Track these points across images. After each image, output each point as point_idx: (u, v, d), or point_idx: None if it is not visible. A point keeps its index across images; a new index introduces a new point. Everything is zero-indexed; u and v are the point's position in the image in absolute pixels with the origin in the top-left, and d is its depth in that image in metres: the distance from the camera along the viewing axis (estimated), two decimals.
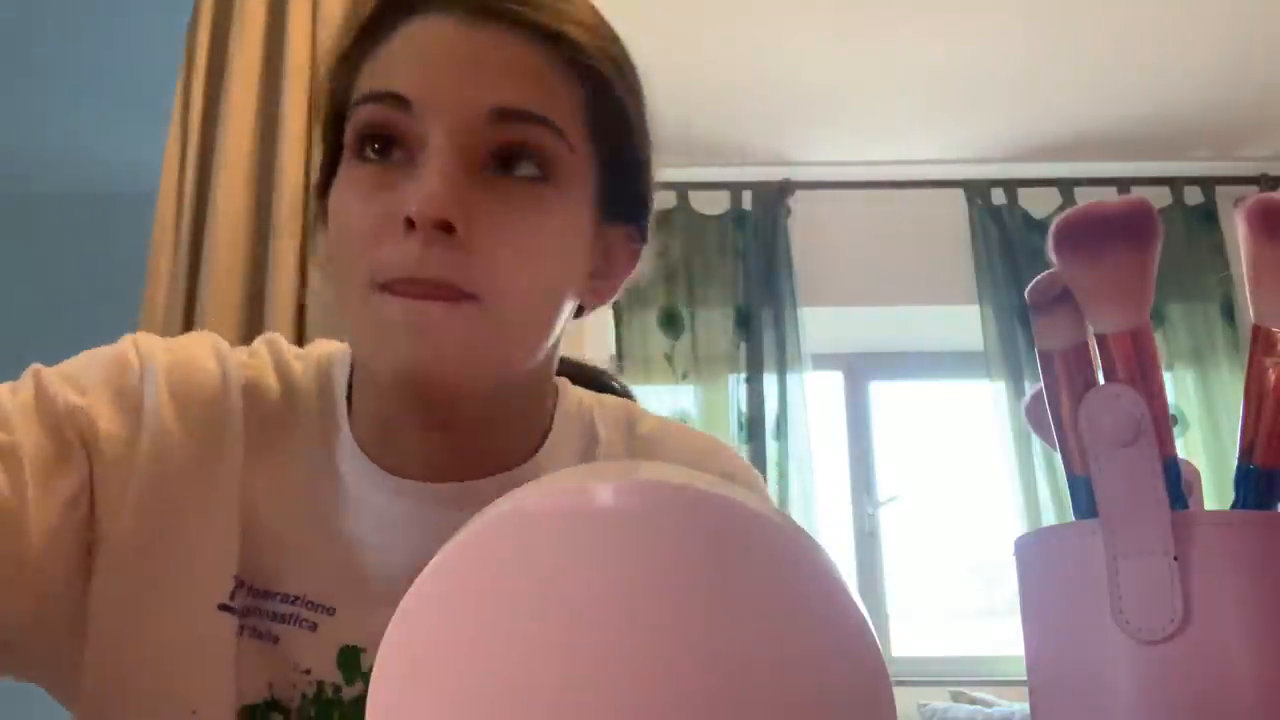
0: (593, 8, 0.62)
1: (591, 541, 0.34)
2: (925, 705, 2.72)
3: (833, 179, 3.18)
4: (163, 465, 0.60)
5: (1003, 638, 3.14)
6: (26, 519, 0.54)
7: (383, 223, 0.54)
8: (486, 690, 0.33)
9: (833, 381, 3.33)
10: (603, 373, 0.84)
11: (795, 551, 0.34)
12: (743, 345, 3.09)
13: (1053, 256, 0.41)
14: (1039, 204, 3.16)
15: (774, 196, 3.17)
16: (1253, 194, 0.43)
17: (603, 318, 2.19)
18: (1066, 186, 3.16)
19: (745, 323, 3.10)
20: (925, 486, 3.29)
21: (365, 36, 0.59)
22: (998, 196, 3.20)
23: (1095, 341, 0.41)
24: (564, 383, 0.71)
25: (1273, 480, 0.39)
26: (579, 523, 0.34)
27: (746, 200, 3.20)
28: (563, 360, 0.80)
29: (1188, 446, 3.00)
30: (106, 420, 0.59)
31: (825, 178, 3.18)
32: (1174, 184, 3.19)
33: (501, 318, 0.55)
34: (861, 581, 3.12)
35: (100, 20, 2.55)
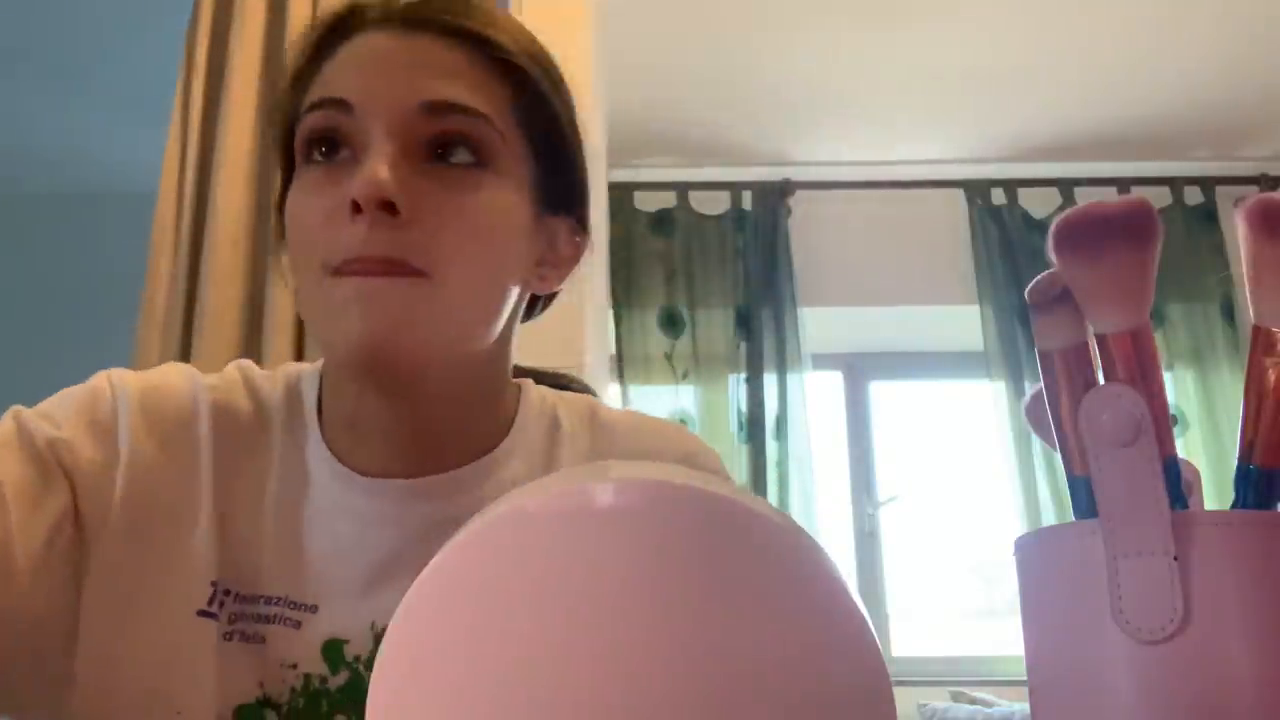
0: (517, 20, 0.69)
1: (591, 541, 0.34)
2: (925, 705, 2.72)
3: (833, 179, 3.18)
4: (140, 485, 0.63)
5: (1003, 638, 3.14)
6: (12, 546, 0.57)
7: (332, 213, 0.58)
8: (486, 689, 0.33)
9: (833, 381, 3.33)
10: (565, 377, 0.87)
11: (795, 551, 0.34)
12: (743, 345, 3.09)
13: (1053, 256, 0.41)
14: (1039, 204, 3.16)
15: (774, 196, 3.18)
16: (1253, 194, 0.43)
17: (603, 318, 2.18)
18: (1066, 186, 3.16)
19: (745, 323, 3.10)
20: (925, 486, 3.29)
21: (312, 59, 0.65)
22: (998, 196, 3.20)
23: (1095, 341, 0.41)
24: (527, 382, 0.74)
25: (1273, 480, 0.39)
26: (578, 523, 0.34)
27: (746, 200, 3.20)
28: (531, 371, 0.82)
29: (1188, 446, 3.00)
30: (86, 449, 0.62)
31: (825, 178, 3.18)
32: (1174, 184, 3.19)
33: (448, 291, 0.59)
34: (861, 581, 3.12)
35: (100, 20, 2.55)
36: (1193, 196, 3.20)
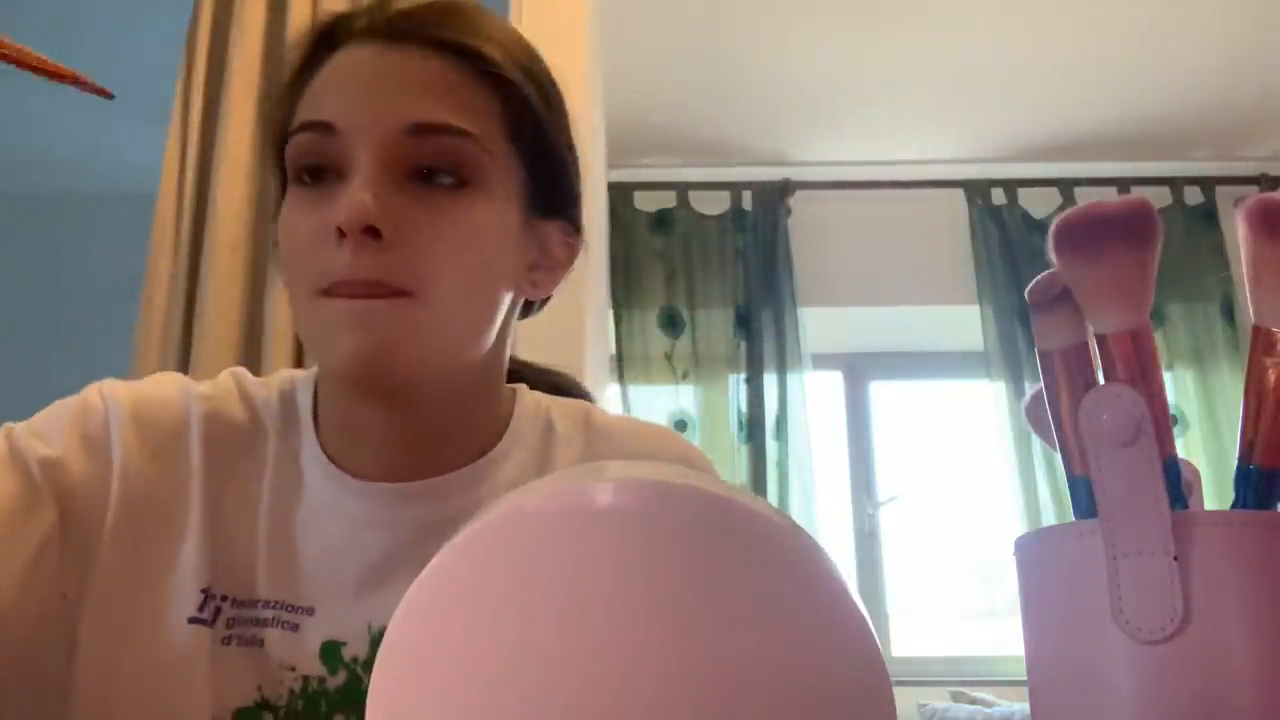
0: (503, 22, 0.68)
1: (591, 541, 0.34)
2: (925, 705, 2.72)
3: (833, 179, 3.18)
4: (132, 496, 0.64)
5: (1003, 638, 3.14)
6: None
7: (320, 235, 0.59)
8: (486, 689, 0.33)
9: (833, 381, 3.33)
10: (557, 374, 0.88)
11: (795, 551, 0.34)
12: (743, 345, 3.09)
13: (1053, 256, 0.41)
14: (1039, 204, 3.16)
15: (774, 196, 3.18)
16: (1253, 194, 0.43)
17: (603, 318, 2.19)
18: (1066, 186, 3.16)
19: (745, 323, 3.10)
20: (925, 486, 3.29)
21: (301, 71, 0.65)
22: (998, 196, 3.20)
23: (1095, 341, 0.41)
24: (521, 387, 0.75)
25: (1273, 480, 0.39)
26: (578, 522, 0.34)
27: (746, 200, 3.20)
28: (526, 365, 0.83)
29: (1188, 446, 3.00)
30: (79, 467, 0.63)
31: (825, 178, 3.18)
32: (1174, 184, 3.19)
33: (435, 309, 0.60)
34: (861, 581, 3.11)
35: (100, 20, 2.55)
36: (1193, 196, 3.20)
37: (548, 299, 0.74)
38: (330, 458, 0.67)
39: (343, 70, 0.63)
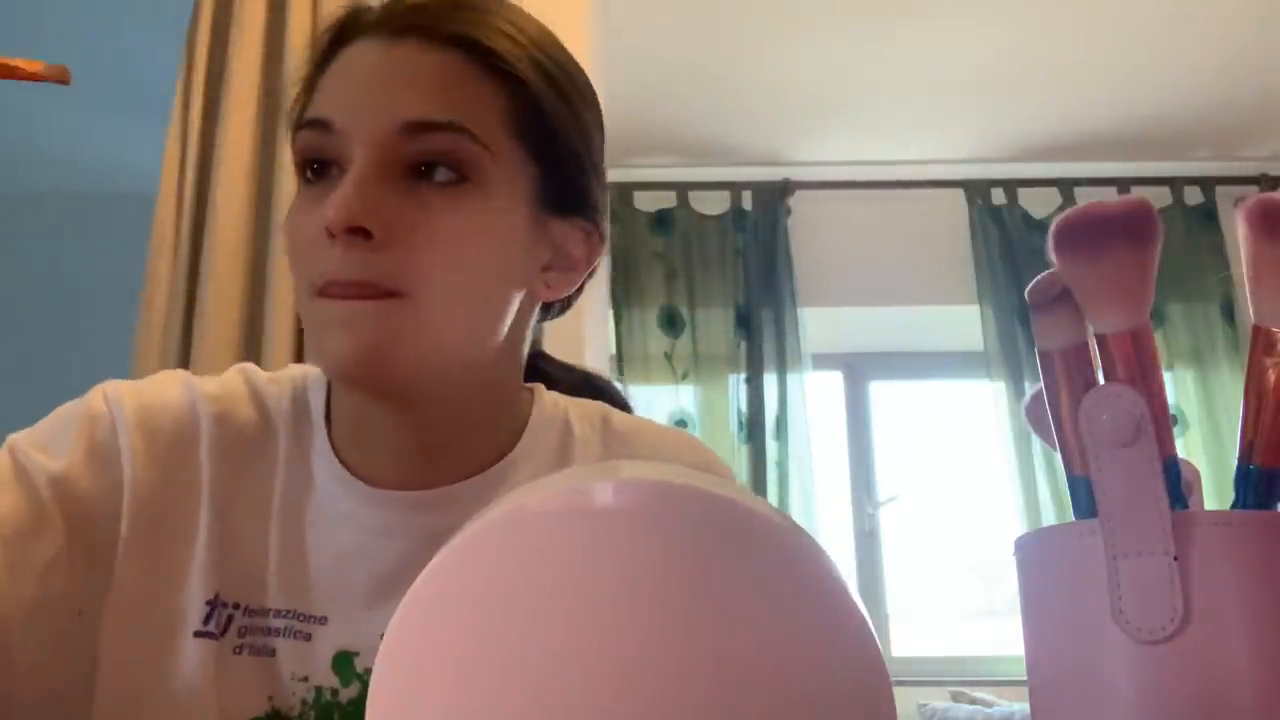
0: (520, 14, 0.66)
1: (591, 541, 0.34)
2: (925, 705, 2.72)
3: (833, 179, 3.18)
4: (143, 508, 0.62)
5: (1003, 638, 3.14)
6: (1, 590, 0.56)
7: (316, 234, 0.58)
8: (486, 690, 0.33)
9: (833, 381, 3.33)
10: (593, 375, 0.86)
11: (795, 551, 0.34)
12: (743, 345, 3.09)
13: (1053, 256, 0.41)
14: (1039, 204, 3.16)
15: (774, 196, 3.18)
16: (1253, 194, 0.43)
17: (603, 317, 2.19)
18: (1066, 186, 3.16)
19: (745, 323, 3.10)
20: (925, 486, 3.29)
21: (316, 66, 0.65)
22: (998, 196, 3.20)
23: (1095, 341, 0.41)
24: (539, 387, 0.73)
25: (1273, 480, 0.39)
26: (579, 523, 0.34)
27: (746, 200, 3.20)
28: (552, 362, 0.82)
29: (1188, 446, 3.00)
30: (86, 482, 0.61)
31: (825, 178, 3.18)
32: (1174, 184, 3.19)
33: (428, 311, 0.58)
34: (861, 581, 3.12)
35: (100, 20, 2.55)
36: (1193, 196, 3.20)
37: (571, 301, 0.72)
38: (342, 461, 0.66)
39: (347, 67, 0.62)
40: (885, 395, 3.37)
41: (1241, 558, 0.36)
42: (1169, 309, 3.10)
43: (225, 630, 0.62)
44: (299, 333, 1.50)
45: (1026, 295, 0.42)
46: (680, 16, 2.57)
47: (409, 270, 0.58)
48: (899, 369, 3.37)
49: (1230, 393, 3.00)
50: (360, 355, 0.57)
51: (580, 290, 0.71)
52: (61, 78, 0.56)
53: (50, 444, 0.62)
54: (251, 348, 1.52)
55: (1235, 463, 0.40)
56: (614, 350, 3.06)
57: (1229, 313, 3.09)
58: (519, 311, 0.65)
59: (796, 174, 3.18)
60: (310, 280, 0.59)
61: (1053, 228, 0.41)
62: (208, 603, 0.62)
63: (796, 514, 2.86)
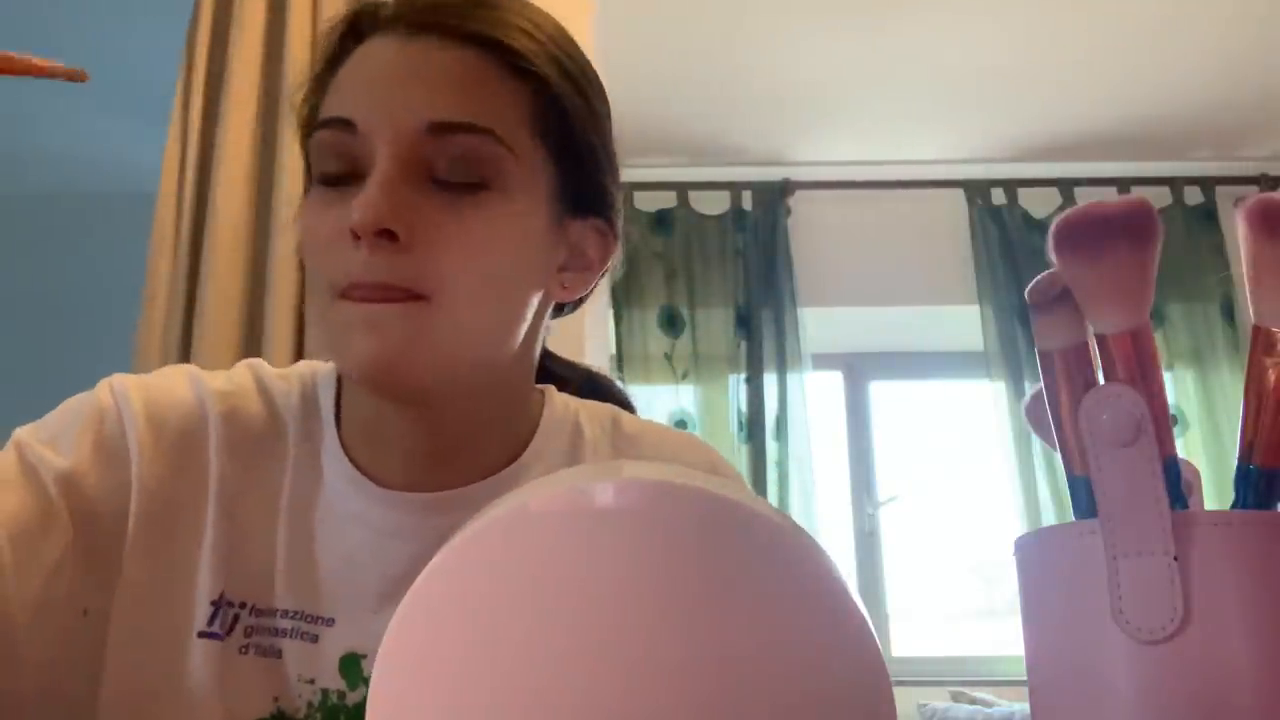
0: (537, 11, 0.65)
1: (592, 541, 0.34)
2: (925, 705, 2.72)
3: (833, 179, 3.18)
4: (152, 508, 0.62)
5: (1003, 638, 3.14)
6: (7, 588, 0.55)
7: (338, 236, 0.57)
8: (487, 690, 0.33)
9: (833, 381, 3.33)
10: (596, 374, 0.86)
11: (795, 551, 0.34)
12: (743, 345, 3.09)
13: (1053, 256, 0.41)
14: (1039, 204, 3.16)
15: (774, 196, 3.18)
16: (1253, 194, 0.43)
17: (603, 317, 2.19)
18: (1066, 186, 3.16)
19: (745, 323, 3.10)
20: (925, 486, 3.29)
21: (329, 62, 0.63)
22: (998, 196, 3.20)
23: (1095, 341, 0.41)
24: (550, 389, 0.73)
25: (1273, 480, 0.39)
26: (580, 523, 0.34)
27: (746, 200, 3.20)
28: (556, 360, 0.81)
29: (1188, 446, 3.00)
30: (95, 478, 0.61)
31: (825, 178, 3.18)
32: (1174, 184, 3.19)
33: (452, 314, 0.58)
34: (861, 581, 3.12)
35: (100, 20, 2.55)
36: (1193, 196, 3.20)
37: (584, 299, 0.71)
38: (353, 460, 0.65)
39: (365, 64, 0.61)
40: (885, 395, 3.37)
41: (1241, 558, 0.36)
42: (1169, 309, 3.10)
43: (231, 630, 0.62)
44: (299, 332, 1.50)
45: (1026, 295, 0.42)
46: (680, 17, 2.57)
47: (433, 273, 0.57)
48: (899, 369, 3.37)
49: (1230, 393, 3.00)
50: (385, 358, 0.56)
51: (593, 289, 0.70)
52: (77, 76, 0.57)
53: (57, 439, 0.61)
54: (251, 347, 1.52)
55: (1235, 463, 0.40)
56: (614, 350, 3.06)
57: (1229, 313, 3.09)
58: (535, 313, 0.65)
59: (796, 174, 3.18)
60: (331, 281, 0.58)
61: (1053, 228, 0.41)
62: (212, 603, 0.62)
63: (796, 514, 2.86)
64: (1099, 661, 0.37)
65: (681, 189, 3.17)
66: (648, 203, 3.18)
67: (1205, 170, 3.21)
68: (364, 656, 0.62)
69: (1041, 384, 0.42)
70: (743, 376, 3.06)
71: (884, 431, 3.32)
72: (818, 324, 3.11)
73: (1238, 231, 0.41)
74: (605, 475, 0.36)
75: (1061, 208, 2.51)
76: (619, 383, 0.88)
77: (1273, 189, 2.63)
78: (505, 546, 0.34)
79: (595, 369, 0.87)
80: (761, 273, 3.11)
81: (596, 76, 0.67)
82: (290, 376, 0.69)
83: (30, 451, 0.60)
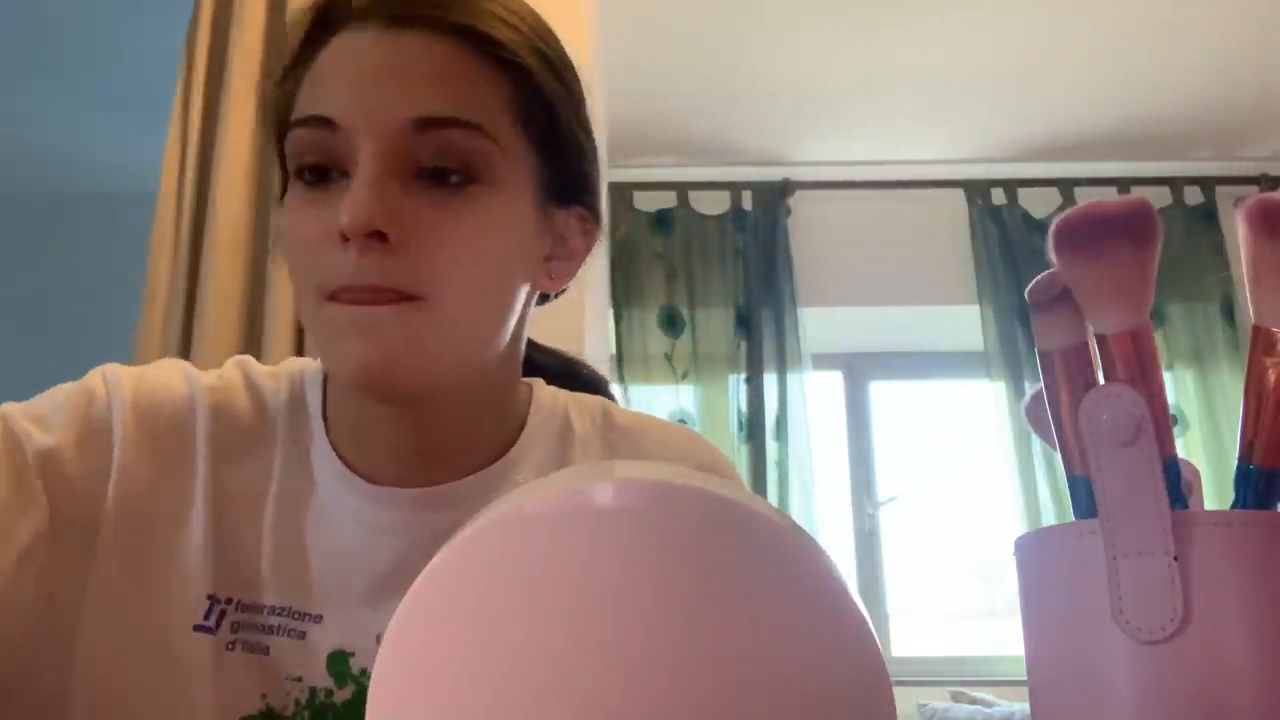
0: (516, 2, 0.64)
1: (591, 542, 0.34)
2: (925, 705, 2.72)
3: (833, 179, 3.18)
4: (132, 496, 0.61)
5: (1003, 638, 3.14)
6: None
7: (324, 237, 0.56)
8: (486, 691, 0.33)
9: (833, 381, 3.33)
10: (577, 363, 0.85)
11: (795, 551, 0.34)
12: (743, 345, 3.09)
13: (1053, 256, 0.41)
14: (1039, 204, 3.16)
15: (774, 196, 3.18)
16: (1253, 194, 0.43)
17: (603, 317, 2.19)
18: (1066, 186, 3.16)
19: (745, 323, 3.11)
20: (925, 486, 3.29)
21: (301, 53, 0.62)
22: (998, 196, 3.20)
23: (1095, 341, 0.41)
24: (538, 382, 0.72)
25: (1273, 480, 0.39)
26: (579, 523, 0.34)
27: (746, 200, 3.20)
28: (535, 347, 0.80)
29: (1188, 446, 3.00)
30: (74, 461, 0.60)
31: (825, 178, 3.18)
32: (1174, 184, 3.19)
33: (447, 314, 0.57)
34: (861, 581, 3.12)
35: (101, 20, 2.55)
36: (1193, 196, 3.20)
37: (565, 289, 0.71)
38: (341, 457, 0.64)
39: (343, 58, 0.59)
40: (885, 395, 3.37)
41: (1241, 558, 0.36)
42: (1169, 309, 3.10)
43: (219, 625, 0.61)
44: (299, 332, 1.50)
45: (1026, 295, 0.42)
46: (680, 16, 2.57)
47: (426, 273, 0.56)
48: (899, 369, 3.37)
49: (1230, 393, 3.00)
50: (379, 364, 0.55)
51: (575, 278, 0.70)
52: None
53: (44, 418, 0.60)
54: (251, 347, 1.52)
55: (1235, 463, 0.40)
56: (614, 350, 3.06)
57: (1229, 313, 3.09)
58: (522, 305, 0.64)
59: (796, 174, 3.18)
60: (319, 285, 0.57)
61: (1053, 228, 0.40)
62: (209, 597, 0.61)
63: (796, 514, 2.86)
64: (1099, 661, 0.37)
65: (681, 189, 3.17)
66: (648, 203, 3.18)
67: (1205, 170, 3.21)
68: (352, 654, 0.62)
69: (1041, 384, 0.42)
70: (743, 376, 3.06)
71: (884, 431, 3.32)
72: (818, 324, 3.12)
73: (1238, 231, 0.41)
74: (603, 475, 0.36)
75: (1061, 208, 2.51)
76: (618, 385, 0.88)
77: (1273, 189, 2.63)
78: (504, 547, 0.34)
79: (572, 355, 0.86)
80: (761, 273, 3.11)
81: (572, 62, 0.66)
82: (279, 374, 0.69)
83: (16, 424, 0.59)
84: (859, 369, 3.36)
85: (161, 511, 0.62)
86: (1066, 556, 0.39)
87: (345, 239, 0.55)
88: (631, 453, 0.70)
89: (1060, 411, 0.41)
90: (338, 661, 0.62)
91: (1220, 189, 3.19)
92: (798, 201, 3.18)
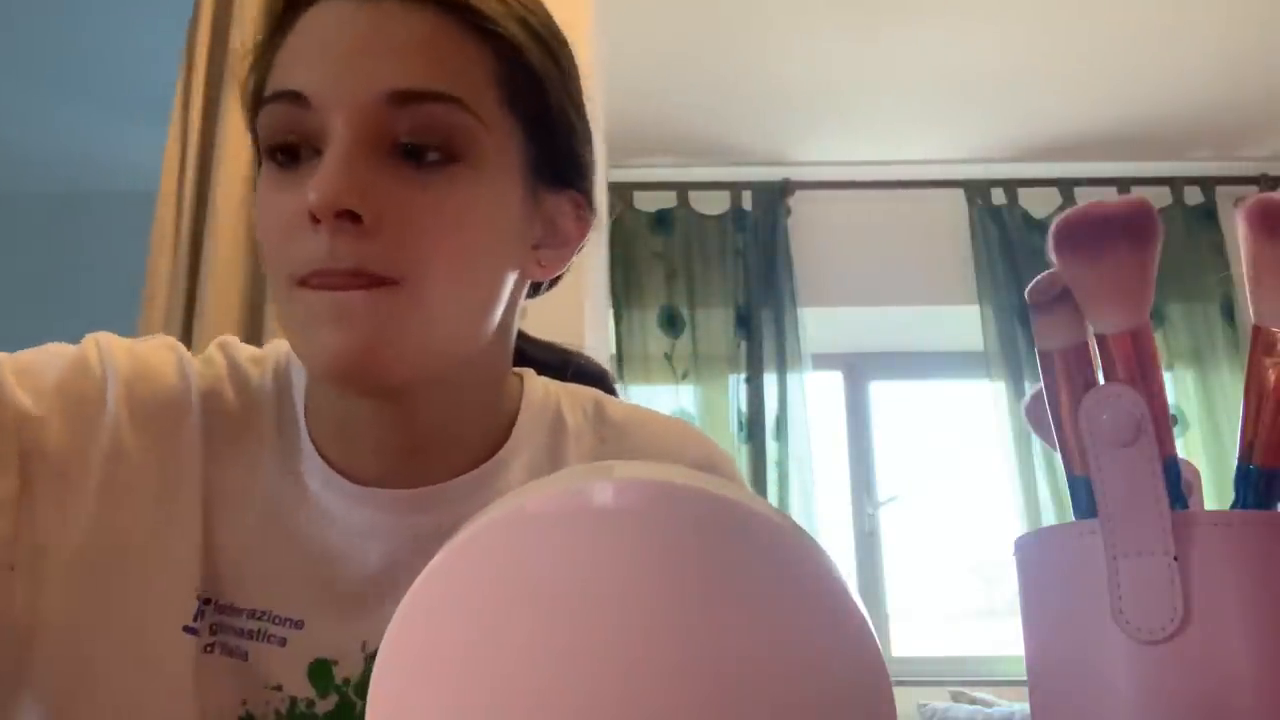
0: None
1: (591, 542, 0.34)
2: (925, 705, 2.72)
3: (833, 179, 3.18)
4: (118, 480, 0.57)
5: (1003, 638, 3.14)
6: None
7: (293, 219, 0.53)
8: (486, 691, 0.33)
9: (833, 381, 3.33)
10: (573, 354, 0.81)
11: (795, 551, 0.34)
12: (743, 345, 3.09)
13: (1053, 256, 0.41)
14: (1039, 204, 3.16)
15: (774, 196, 3.18)
16: (1253, 194, 0.43)
17: (603, 317, 2.19)
18: (1066, 186, 3.16)
19: (745, 323, 3.11)
20: (925, 486, 3.29)
21: (275, 27, 0.58)
22: (998, 196, 3.20)
23: (1095, 341, 0.41)
24: (529, 373, 0.69)
25: (1273, 480, 0.39)
26: (579, 523, 0.34)
27: (746, 200, 3.20)
28: (532, 342, 0.77)
29: (1188, 446, 3.00)
30: (56, 431, 0.56)
31: (825, 178, 3.18)
32: (1174, 184, 3.19)
33: (426, 300, 0.53)
34: (861, 581, 3.12)
35: (100, 20, 2.55)
36: (1193, 196, 3.20)
37: (558, 278, 0.67)
38: (325, 458, 0.61)
39: (315, 31, 0.55)
40: (885, 395, 3.37)
41: (1241, 558, 0.36)
42: (1169, 309, 3.10)
43: (200, 624, 0.58)
44: None
45: (1026, 295, 0.42)
46: (680, 16, 2.57)
47: (403, 256, 0.52)
48: (899, 369, 3.37)
49: (1230, 393, 3.00)
50: (354, 351, 0.52)
51: (569, 268, 0.66)
52: None
53: (38, 375, 0.57)
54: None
55: (1235, 463, 0.40)
56: (614, 350, 3.06)
57: (1229, 313, 3.09)
58: (511, 294, 0.60)
59: (796, 174, 3.18)
60: (290, 270, 0.53)
61: (1053, 228, 0.40)
62: (198, 597, 0.58)
63: (796, 514, 2.86)
64: (1099, 661, 0.37)
65: (681, 189, 3.18)
66: (648, 203, 3.18)
67: (1205, 170, 3.21)
68: (335, 662, 0.59)
69: (1041, 384, 0.42)
70: (743, 376, 3.06)
71: (884, 431, 3.32)
72: (818, 324, 3.12)
73: (1238, 231, 0.41)
74: (603, 475, 0.36)
75: (1061, 208, 2.51)
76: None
77: (1273, 189, 2.63)
78: (504, 547, 0.34)
79: (571, 347, 0.82)
80: (761, 273, 3.11)
81: (564, 37, 0.62)
82: (264, 361, 0.65)
83: (5, 377, 0.55)
84: (859, 369, 3.36)
85: (149, 500, 0.58)
86: (1066, 556, 0.39)
87: (316, 220, 0.51)
88: (624, 447, 0.67)
89: (1060, 411, 0.41)
90: (320, 670, 0.59)
91: (1220, 189, 3.20)
92: (798, 201, 3.18)
